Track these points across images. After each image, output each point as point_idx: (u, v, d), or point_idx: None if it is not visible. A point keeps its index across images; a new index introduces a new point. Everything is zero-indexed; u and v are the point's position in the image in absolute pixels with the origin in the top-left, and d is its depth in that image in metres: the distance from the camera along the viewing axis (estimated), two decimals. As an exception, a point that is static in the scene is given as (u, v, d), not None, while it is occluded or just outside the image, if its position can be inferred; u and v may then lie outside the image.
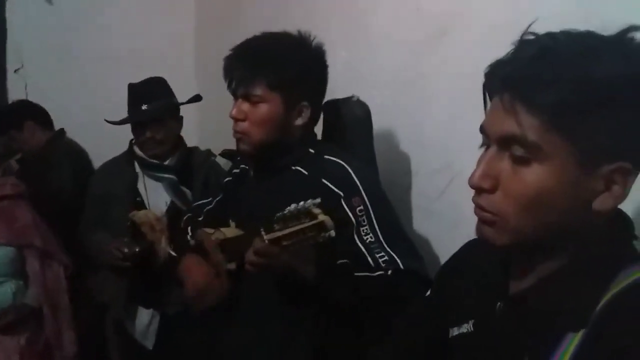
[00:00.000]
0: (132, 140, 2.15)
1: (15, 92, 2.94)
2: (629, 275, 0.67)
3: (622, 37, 0.67)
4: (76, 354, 2.13)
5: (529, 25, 0.70)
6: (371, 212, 1.28)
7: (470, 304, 0.82)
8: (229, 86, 1.38)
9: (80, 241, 2.18)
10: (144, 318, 2.09)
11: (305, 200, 1.11)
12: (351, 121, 1.49)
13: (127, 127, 2.11)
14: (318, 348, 1.32)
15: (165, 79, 2.17)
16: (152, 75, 2.14)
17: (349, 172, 1.31)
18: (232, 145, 1.48)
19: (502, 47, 0.71)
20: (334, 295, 1.22)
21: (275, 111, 1.34)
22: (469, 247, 0.92)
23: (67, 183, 2.43)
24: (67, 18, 3.00)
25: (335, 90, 1.48)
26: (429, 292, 0.99)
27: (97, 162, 2.52)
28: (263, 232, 1.15)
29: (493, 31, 1.24)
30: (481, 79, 0.73)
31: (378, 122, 1.54)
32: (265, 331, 1.36)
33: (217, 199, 1.65)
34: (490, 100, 0.72)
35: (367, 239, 1.27)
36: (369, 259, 1.26)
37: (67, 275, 2.15)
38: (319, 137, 1.50)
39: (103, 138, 2.36)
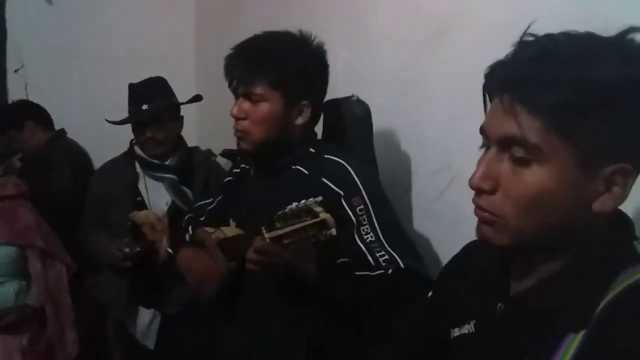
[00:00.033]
0: (132, 140, 2.15)
1: (15, 92, 2.94)
2: (630, 276, 0.67)
3: (621, 39, 0.67)
4: (78, 355, 2.13)
5: (528, 26, 0.71)
6: (371, 211, 1.28)
7: (471, 304, 0.83)
8: (229, 85, 1.38)
9: (81, 241, 2.19)
10: (145, 318, 2.09)
11: (306, 199, 1.11)
12: (351, 120, 1.49)
13: (128, 127, 2.11)
14: (318, 348, 1.32)
15: (165, 79, 2.17)
16: (152, 76, 2.14)
17: (349, 172, 1.31)
18: (231, 145, 1.48)
19: (502, 47, 0.71)
20: (334, 293, 1.22)
21: (276, 110, 1.34)
22: (469, 248, 0.92)
23: (68, 183, 2.43)
24: (67, 18, 3.01)
25: (335, 90, 1.48)
26: (430, 294, 0.99)
27: (97, 163, 2.52)
28: (264, 230, 1.15)
29: (493, 31, 1.24)
30: (481, 79, 0.73)
31: (378, 122, 1.54)
32: (265, 331, 1.36)
33: (218, 198, 1.65)
34: (490, 101, 0.72)
35: (368, 238, 1.27)
36: (369, 258, 1.27)
37: (69, 276, 2.15)
38: (319, 136, 1.50)
39: (103, 138, 2.37)
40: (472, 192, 0.73)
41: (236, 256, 1.32)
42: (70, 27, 3.01)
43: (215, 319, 1.52)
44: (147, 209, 1.99)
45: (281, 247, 1.14)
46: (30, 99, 2.79)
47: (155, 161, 2.10)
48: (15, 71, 2.96)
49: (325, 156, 1.36)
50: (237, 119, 1.36)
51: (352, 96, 1.51)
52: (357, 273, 1.25)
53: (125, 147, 2.20)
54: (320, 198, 1.11)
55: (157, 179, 2.10)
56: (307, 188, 1.25)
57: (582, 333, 0.66)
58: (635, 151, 0.67)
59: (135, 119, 2.07)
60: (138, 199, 2.09)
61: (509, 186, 0.69)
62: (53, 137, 2.65)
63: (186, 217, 1.72)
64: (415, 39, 1.58)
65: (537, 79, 0.65)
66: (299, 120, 1.37)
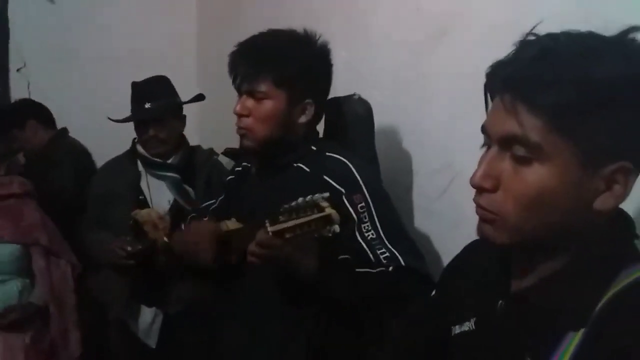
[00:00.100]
0: (134, 138, 2.16)
1: (17, 91, 2.94)
2: (630, 274, 0.67)
3: (622, 38, 0.67)
4: (81, 354, 2.13)
5: (533, 27, 0.71)
6: (372, 209, 1.29)
7: (471, 302, 0.83)
8: (233, 82, 1.38)
9: (82, 240, 2.19)
10: (147, 317, 2.09)
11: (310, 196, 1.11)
12: (353, 119, 1.49)
13: (129, 127, 2.11)
14: (318, 348, 1.32)
15: (168, 78, 2.17)
16: (153, 75, 2.14)
17: (351, 169, 1.32)
18: (233, 144, 1.48)
19: (502, 47, 0.71)
20: (335, 290, 1.22)
21: (279, 108, 1.34)
22: (470, 247, 0.93)
23: (69, 182, 2.44)
24: (68, 18, 3.01)
25: (335, 90, 1.48)
26: (433, 293, 1.00)
27: (99, 162, 2.53)
28: (267, 224, 1.16)
29: (493, 31, 1.25)
30: (481, 79, 0.74)
31: (378, 122, 1.54)
32: (265, 331, 1.36)
33: (221, 198, 1.65)
34: (492, 100, 0.73)
35: (369, 235, 1.28)
36: (370, 255, 1.27)
37: (75, 275, 2.16)
38: (321, 134, 1.50)
39: (104, 138, 2.37)
40: (473, 192, 0.74)
41: (238, 249, 1.32)
42: (71, 27, 3.01)
43: (216, 318, 1.53)
44: (149, 207, 1.99)
45: (283, 241, 1.14)
46: (32, 98, 2.80)
47: (158, 160, 2.10)
48: (18, 70, 2.97)
49: (327, 154, 1.36)
50: (240, 116, 1.36)
51: (354, 95, 1.51)
52: (357, 270, 1.25)
53: (126, 147, 2.20)
54: (327, 194, 1.11)
55: (159, 177, 2.10)
56: (308, 186, 1.25)
57: (581, 331, 0.66)
58: (637, 150, 0.67)
59: (138, 117, 2.07)
60: (140, 197, 2.09)
61: (510, 185, 0.69)
62: (55, 136, 2.65)
63: (189, 217, 1.72)
64: (415, 39, 1.58)
65: (538, 78, 0.65)
66: (302, 119, 1.37)
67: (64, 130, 2.69)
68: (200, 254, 1.42)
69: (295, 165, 1.38)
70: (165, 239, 1.68)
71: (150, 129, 2.04)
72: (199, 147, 2.27)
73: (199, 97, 2.18)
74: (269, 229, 1.15)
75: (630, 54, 0.66)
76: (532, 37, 0.70)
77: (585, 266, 0.70)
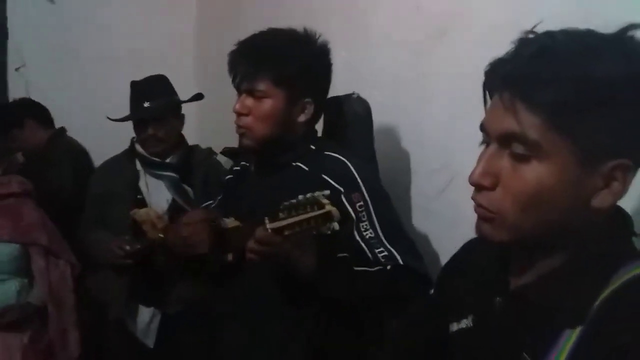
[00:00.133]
0: (133, 138, 2.16)
1: (16, 91, 2.94)
2: (628, 271, 0.67)
3: (621, 36, 0.67)
4: (81, 355, 2.13)
5: (534, 27, 0.71)
6: (371, 208, 1.29)
7: (469, 300, 0.83)
8: (233, 81, 1.38)
9: (81, 240, 2.19)
10: (145, 316, 2.08)
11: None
12: (352, 118, 1.49)
13: (128, 126, 2.11)
14: (318, 348, 1.32)
15: (167, 77, 2.17)
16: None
17: (350, 168, 1.32)
18: (231, 143, 1.48)
19: (502, 47, 0.71)
20: (332, 288, 1.22)
21: (279, 107, 1.34)
22: (468, 246, 0.93)
23: (68, 181, 2.44)
24: (67, 17, 3.01)
25: (335, 89, 1.48)
26: (431, 292, 1.00)
27: (97, 162, 2.52)
28: (267, 221, 1.15)
29: (493, 31, 1.24)
30: (481, 79, 0.74)
31: (378, 122, 1.54)
32: (265, 331, 1.36)
33: (219, 197, 1.65)
34: (490, 98, 0.73)
35: (367, 234, 1.28)
36: (368, 254, 1.27)
37: (74, 275, 2.15)
38: (319, 133, 1.50)
39: (103, 137, 2.37)
40: (471, 192, 0.74)
41: (237, 247, 1.32)
42: (71, 27, 3.02)
43: (216, 318, 1.52)
44: (147, 206, 1.99)
45: (282, 238, 1.14)
46: (31, 97, 2.80)
47: (156, 159, 2.10)
48: (16, 69, 2.97)
49: (326, 153, 1.36)
50: (239, 115, 1.36)
51: (353, 94, 1.51)
52: (356, 269, 1.25)
53: (125, 147, 2.20)
54: (327, 192, 1.12)
55: (158, 176, 2.10)
56: (307, 185, 1.25)
57: (579, 329, 0.66)
58: (635, 147, 0.67)
59: (137, 116, 2.07)
60: (138, 196, 2.08)
61: (509, 182, 0.69)
62: (53, 135, 2.65)
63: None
64: (415, 39, 1.58)
65: (537, 76, 0.65)
66: (302, 118, 1.37)
67: (62, 130, 2.69)
68: (196, 244, 1.40)
69: (294, 164, 1.38)
70: (160, 234, 1.68)
71: (150, 127, 2.04)
72: (197, 146, 2.27)
73: (198, 97, 2.18)
74: (268, 226, 1.15)
75: (629, 51, 0.66)
76: (531, 35, 0.70)
77: (583, 264, 0.70)
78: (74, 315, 2.14)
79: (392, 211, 1.35)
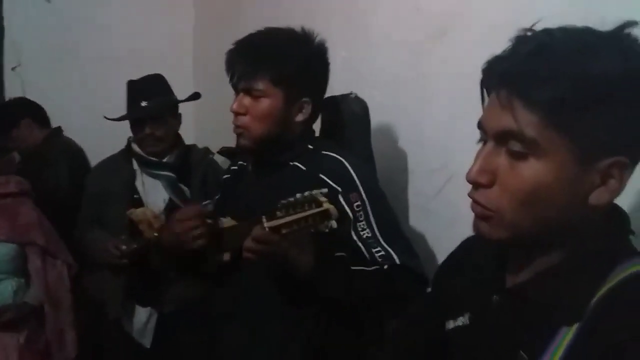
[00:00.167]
0: (130, 137, 2.15)
1: (12, 90, 2.94)
2: (625, 269, 0.67)
3: (618, 33, 0.67)
4: (77, 355, 2.12)
5: (533, 25, 0.71)
6: (368, 207, 1.28)
7: (466, 297, 0.83)
8: (230, 80, 1.38)
9: (77, 239, 2.18)
10: (142, 316, 2.08)
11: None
12: (349, 118, 1.49)
13: (125, 126, 2.11)
14: (318, 348, 1.31)
15: (164, 76, 2.16)
16: (151, 74, 2.14)
17: (347, 168, 1.31)
18: (228, 143, 1.47)
19: (502, 47, 0.71)
20: (330, 287, 1.22)
21: (277, 106, 1.34)
22: (466, 244, 0.93)
23: (64, 181, 2.44)
24: (66, 17, 3.01)
25: (335, 89, 1.48)
26: (428, 291, 0.99)
27: (94, 161, 2.52)
28: (264, 219, 1.15)
29: (493, 31, 1.23)
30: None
31: (378, 122, 1.54)
32: (265, 331, 1.35)
33: (217, 197, 1.65)
34: (488, 96, 0.72)
35: (364, 234, 1.28)
36: (365, 253, 1.27)
37: (71, 275, 2.15)
38: (317, 133, 1.50)
39: (102, 137, 2.37)
40: (469, 192, 0.73)
41: (234, 246, 1.31)
42: (70, 27, 3.02)
43: (215, 318, 1.52)
44: (144, 206, 1.99)
45: (280, 236, 1.14)
46: (28, 97, 2.79)
47: (153, 158, 2.10)
48: (13, 69, 2.97)
49: (323, 152, 1.36)
50: (237, 114, 1.36)
51: (351, 93, 1.51)
52: (353, 268, 1.24)
53: (122, 146, 2.19)
54: (325, 190, 1.11)
55: (155, 176, 2.10)
56: (304, 184, 1.24)
57: (576, 326, 0.66)
58: (632, 145, 0.67)
59: (134, 115, 2.07)
60: (135, 196, 2.08)
61: (506, 180, 0.69)
62: (50, 134, 2.65)
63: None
64: (415, 39, 1.58)
65: (534, 74, 0.65)
66: (299, 117, 1.37)
67: (58, 129, 2.69)
68: (189, 239, 1.37)
69: (291, 163, 1.37)
70: (155, 234, 1.67)
71: (147, 127, 2.04)
72: (194, 146, 2.27)
73: (195, 96, 2.18)
74: (266, 224, 1.14)
75: (626, 49, 0.66)
76: (528, 33, 0.70)
77: (580, 261, 0.70)
78: (71, 315, 2.14)
79: (390, 211, 1.35)
